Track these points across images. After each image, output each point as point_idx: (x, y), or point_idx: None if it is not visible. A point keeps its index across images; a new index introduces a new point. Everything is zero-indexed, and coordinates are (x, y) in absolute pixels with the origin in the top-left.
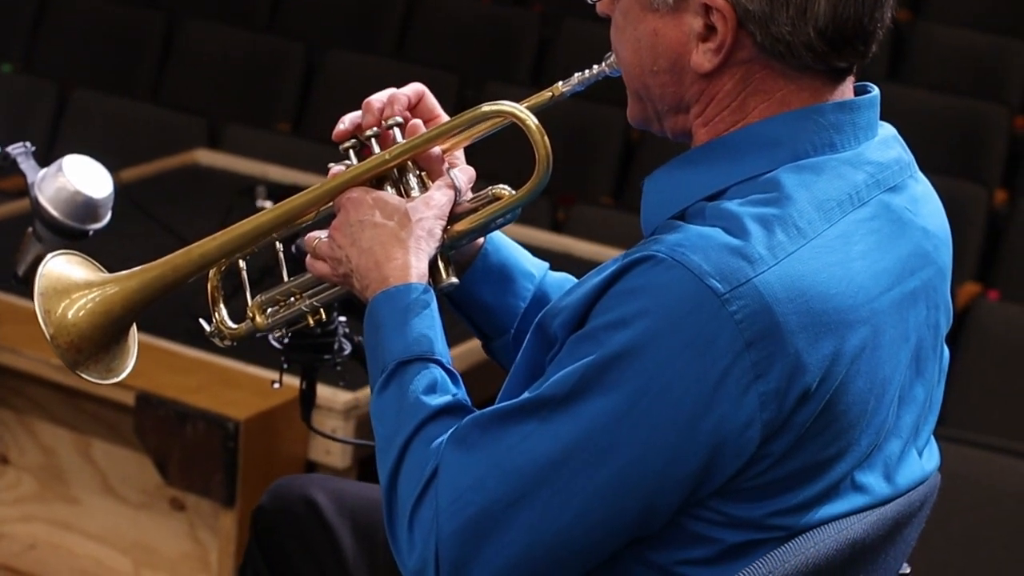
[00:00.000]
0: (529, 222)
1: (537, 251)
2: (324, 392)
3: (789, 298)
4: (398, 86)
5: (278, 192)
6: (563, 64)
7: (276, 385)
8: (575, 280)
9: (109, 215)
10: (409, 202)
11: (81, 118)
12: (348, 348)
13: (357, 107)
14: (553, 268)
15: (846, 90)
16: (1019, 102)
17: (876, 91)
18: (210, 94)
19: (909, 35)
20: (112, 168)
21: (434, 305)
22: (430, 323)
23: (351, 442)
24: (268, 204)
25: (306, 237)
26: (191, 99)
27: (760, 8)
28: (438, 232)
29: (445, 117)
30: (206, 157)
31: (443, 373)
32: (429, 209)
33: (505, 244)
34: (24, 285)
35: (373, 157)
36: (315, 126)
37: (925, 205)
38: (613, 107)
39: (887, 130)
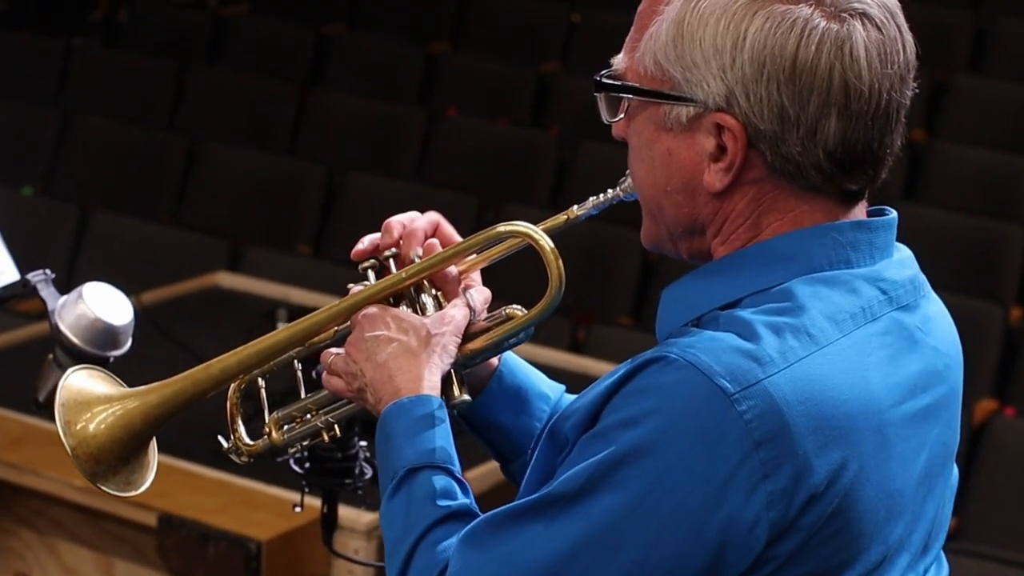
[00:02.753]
0: (548, 342)
1: (555, 371)
2: (347, 513)
3: (799, 401)
4: (418, 209)
5: (299, 314)
6: (581, 186)
7: (298, 509)
8: None
9: (130, 342)
10: (424, 318)
11: (101, 241)
12: (369, 472)
13: (377, 229)
14: (571, 390)
15: (859, 212)
16: None
17: (894, 214)
18: (230, 217)
19: (924, 154)
20: (132, 291)
21: (445, 417)
22: (441, 433)
23: (372, 564)
24: None
25: (322, 354)
26: (211, 222)
27: (771, 128)
28: (452, 349)
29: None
30: (227, 280)
31: (452, 481)
32: (445, 326)
33: (520, 366)
34: (45, 411)
35: (390, 276)
36: (335, 248)
37: (937, 325)
38: (631, 228)
39: (904, 252)
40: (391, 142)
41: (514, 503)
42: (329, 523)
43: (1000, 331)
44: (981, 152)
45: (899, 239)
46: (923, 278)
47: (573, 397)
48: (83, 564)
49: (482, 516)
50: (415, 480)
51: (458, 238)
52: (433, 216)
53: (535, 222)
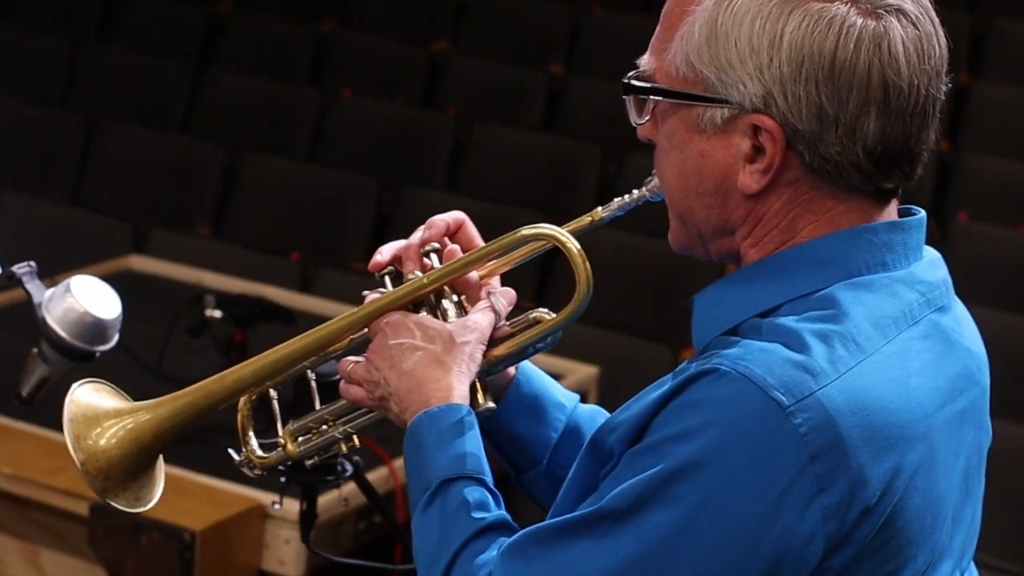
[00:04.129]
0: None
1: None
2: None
3: (852, 411)
4: (316, 190)
5: (227, 301)
6: (478, 166)
7: (277, 506)
8: (605, 412)
9: (117, 337)
10: (449, 325)
11: (2, 222)
12: (350, 469)
13: (277, 210)
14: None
15: (892, 212)
16: None
17: (923, 213)
18: (128, 196)
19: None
20: (44, 274)
21: (476, 426)
22: (473, 443)
23: (355, 563)
24: (218, 313)
25: (340, 362)
26: (109, 201)
27: (809, 128)
28: (479, 356)
29: (483, 244)
30: (140, 263)
31: (487, 492)
32: (471, 333)
33: (536, 375)
34: (27, 405)
35: (410, 281)
36: (236, 229)
37: (967, 326)
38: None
39: (932, 253)
40: (286, 122)
41: (560, 518)
42: (308, 521)
43: None
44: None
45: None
46: (949, 279)
47: (587, 408)
48: (8, 553)
49: (525, 530)
50: (449, 491)
51: (480, 241)
52: (458, 215)
53: (434, 202)
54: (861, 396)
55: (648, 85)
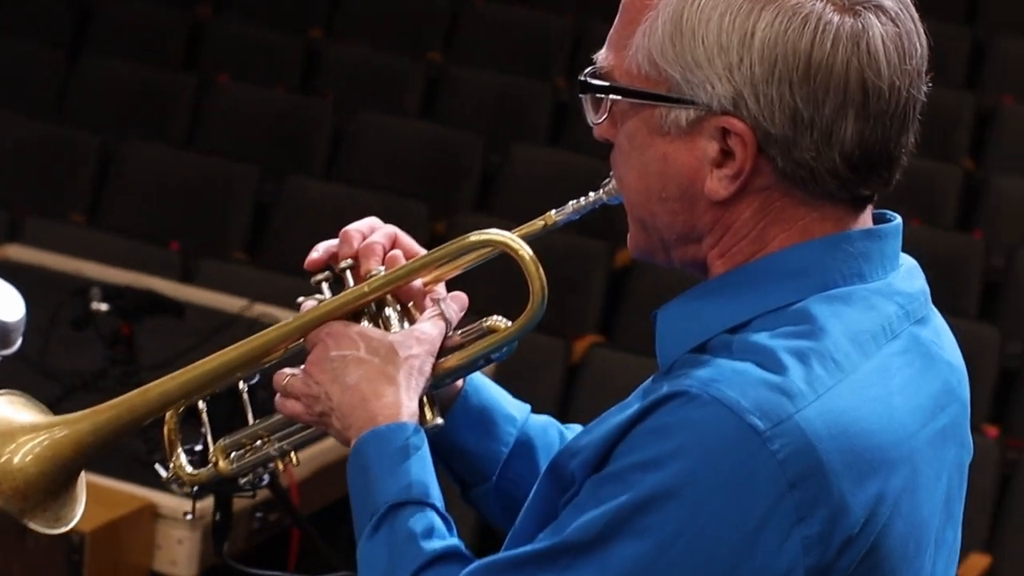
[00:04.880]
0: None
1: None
2: (168, 501)
3: (832, 435)
4: (194, 177)
5: (113, 293)
6: (358, 153)
7: (189, 516)
8: (557, 423)
9: (20, 340)
10: (394, 335)
11: None
12: (266, 477)
13: (154, 198)
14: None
15: (867, 218)
16: None
17: (899, 219)
18: (2, 185)
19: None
20: None
21: (426, 446)
22: (424, 465)
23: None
24: (104, 306)
25: (275, 375)
26: None
27: (782, 132)
28: (428, 369)
29: (423, 252)
30: (17, 253)
31: (438, 518)
32: (420, 344)
33: (485, 385)
34: None
35: (351, 290)
36: (111, 217)
37: (946, 338)
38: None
39: (909, 261)
40: (162, 109)
41: (518, 550)
42: (222, 531)
43: None
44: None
45: None
46: (928, 288)
47: (540, 419)
48: None
49: (480, 562)
50: (398, 517)
51: (419, 249)
52: (391, 229)
53: (314, 191)
54: (841, 418)
55: (606, 84)
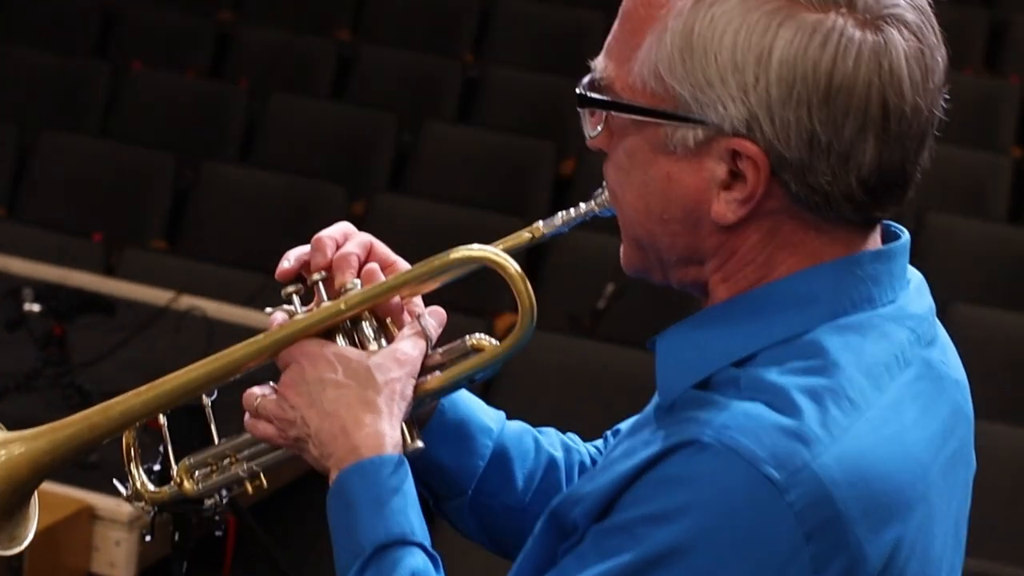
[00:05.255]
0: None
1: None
2: (106, 503)
3: (849, 482)
4: (113, 166)
5: (46, 293)
6: (273, 138)
7: (148, 538)
8: (531, 430)
9: None
10: (373, 356)
11: None
12: (227, 497)
13: (71, 188)
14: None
15: (876, 238)
16: None
17: (907, 235)
18: None
19: None
20: None
21: (410, 478)
22: (411, 502)
23: None
24: (37, 307)
25: (245, 395)
26: None
27: (798, 156)
28: (410, 393)
29: (401, 262)
30: None
31: (425, 558)
32: (400, 367)
33: (461, 397)
34: None
35: (326, 306)
36: (29, 209)
37: (951, 354)
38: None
39: (916, 276)
40: (76, 97)
41: None
42: (181, 554)
43: None
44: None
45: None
46: (934, 305)
47: (514, 427)
48: None
49: None
50: (384, 559)
51: (395, 257)
52: (365, 238)
53: (231, 176)
54: (859, 463)
55: (607, 99)
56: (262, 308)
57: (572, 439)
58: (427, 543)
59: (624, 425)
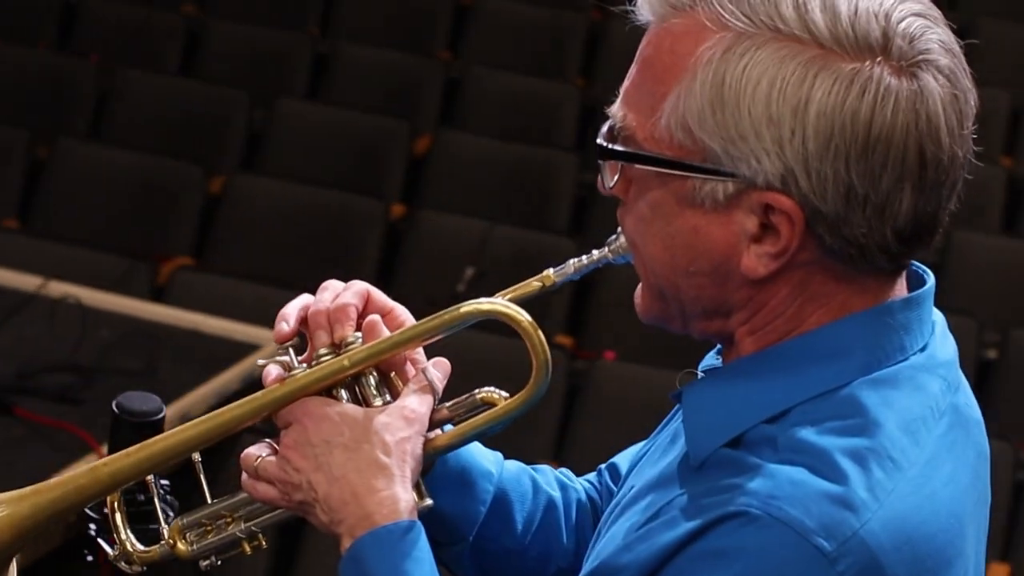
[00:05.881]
0: (130, 291)
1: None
2: None
3: (895, 546)
4: None
5: None
6: (123, 114)
7: (90, 558)
8: (528, 469)
9: None
10: (380, 415)
11: None
12: (172, 517)
13: None
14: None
15: (903, 285)
16: None
17: (932, 279)
18: None
19: None
20: None
21: (424, 540)
22: (427, 567)
23: None
24: None
25: (243, 456)
26: None
27: (833, 209)
28: (420, 451)
29: (400, 309)
30: None
31: None
32: (409, 425)
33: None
34: None
35: (329, 364)
36: None
37: (969, 391)
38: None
39: (939, 317)
40: None
41: None
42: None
43: None
44: None
45: None
46: (956, 346)
47: (512, 468)
48: None
49: None
50: None
51: (392, 304)
52: (361, 287)
53: (83, 152)
54: (904, 526)
55: (632, 151)
56: (130, 293)
57: (567, 475)
58: None
59: (621, 460)
